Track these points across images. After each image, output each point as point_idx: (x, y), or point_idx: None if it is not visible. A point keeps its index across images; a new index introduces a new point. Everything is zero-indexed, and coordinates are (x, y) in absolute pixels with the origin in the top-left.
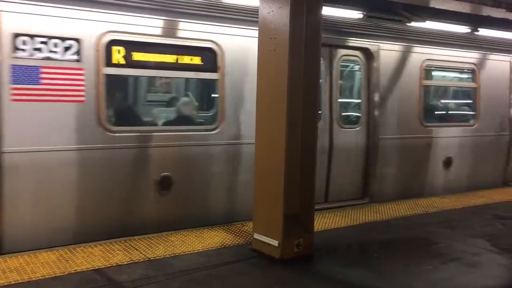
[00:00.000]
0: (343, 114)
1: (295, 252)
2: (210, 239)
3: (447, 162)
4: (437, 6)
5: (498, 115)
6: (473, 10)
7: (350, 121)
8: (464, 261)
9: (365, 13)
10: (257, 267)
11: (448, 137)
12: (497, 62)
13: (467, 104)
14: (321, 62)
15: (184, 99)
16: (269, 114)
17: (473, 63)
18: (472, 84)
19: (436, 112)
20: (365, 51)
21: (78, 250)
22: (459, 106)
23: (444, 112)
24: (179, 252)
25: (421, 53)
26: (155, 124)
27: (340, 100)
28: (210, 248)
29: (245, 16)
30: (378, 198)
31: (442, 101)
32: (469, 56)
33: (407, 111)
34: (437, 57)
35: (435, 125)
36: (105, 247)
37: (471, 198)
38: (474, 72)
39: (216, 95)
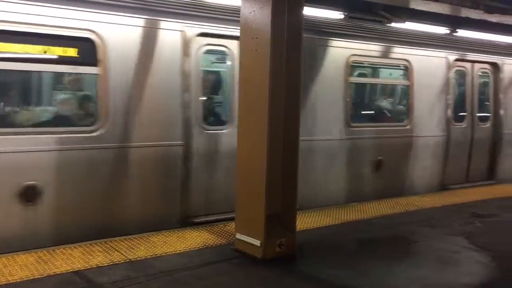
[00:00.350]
0: None
1: (277, 252)
2: (192, 240)
3: (377, 165)
4: (417, 7)
5: (433, 115)
6: (452, 12)
7: None
8: (442, 259)
9: (346, 13)
10: (239, 267)
11: (377, 138)
12: (433, 58)
13: (400, 103)
14: None
15: (62, 96)
16: (251, 114)
17: (406, 59)
18: (405, 82)
19: (363, 112)
20: None
21: (57, 252)
22: (391, 105)
23: (374, 112)
24: (161, 252)
25: (347, 48)
26: None
27: None
28: (192, 249)
29: (134, 3)
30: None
31: (373, 99)
32: (401, 52)
33: (329, 110)
34: (364, 52)
35: (363, 126)
36: (85, 248)
37: (450, 197)
38: (407, 68)
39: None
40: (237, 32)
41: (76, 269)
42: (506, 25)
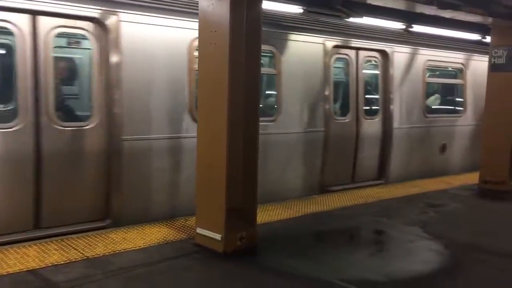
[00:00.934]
0: None
1: (238, 245)
2: (152, 235)
3: None
4: (374, 3)
5: (307, 108)
6: (407, 7)
7: None
8: (398, 248)
9: (305, 8)
10: (200, 262)
11: None
12: (307, 44)
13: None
14: None
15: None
16: (210, 107)
17: (272, 45)
18: (271, 71)
19: None
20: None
21: (11, 251)
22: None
23: None
24: (120, 249)
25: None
26: None
27: None
28: (152, 244)
29: None
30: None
31: None
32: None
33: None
34: None
35: None
36: (40, 247)
37: (407, 188)
38: (274, 56)
39: None
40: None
41: (31, 268)
42: (458, 21)
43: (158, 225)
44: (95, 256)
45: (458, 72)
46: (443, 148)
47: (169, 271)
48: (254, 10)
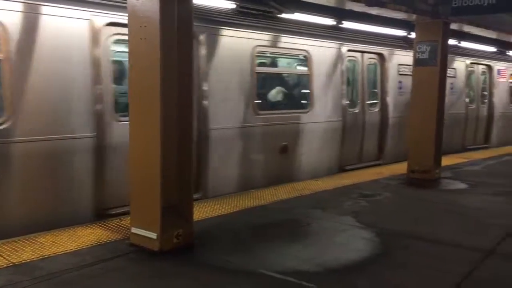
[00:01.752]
0: None
1: (174, 243)
2: (85, 237)
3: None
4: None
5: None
6: (337, 4)
7: None
8: (332, 238)
9: (237, 3)
10: (135, 262)
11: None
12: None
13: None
14: None
15: None
16: (142, 104)
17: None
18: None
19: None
20: None
21: None
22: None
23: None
24: (49, 253)
25: None
26: None
27: None
28: (84, 247)
29: None
30: None
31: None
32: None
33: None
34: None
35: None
36: None
37: (341, 179)
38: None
39: None
40: None
41: None
42: (385, 18)
43: (91, 226)
44: (22, 262)
45: (302, 61)
46: (283, 150)
47: (102, 274)
48: (185, 4)
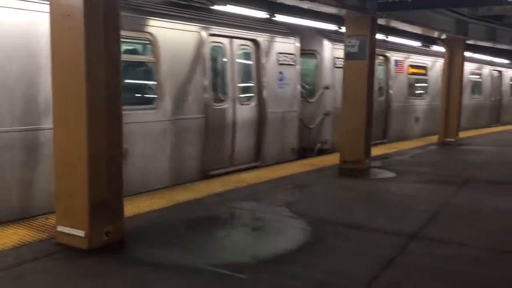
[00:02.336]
0: None
1: (104, 240)
2: (6, 238)
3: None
4: None
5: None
6: None
7: None
8: (267, 228)
9: None
10: (62, 262)
11: None
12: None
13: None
14: None
15: None
16: (66, 97)
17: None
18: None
19: None
20: None
21: None
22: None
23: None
24: None
25: None
26: None
27: None
28: (6, 248)
29: None
30: None
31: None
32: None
33: None
34: None
35: None
36: None
37: (276, 171)
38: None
39: None
40: None
41: None
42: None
43: (14, 226)
44: None
45: (145, 46)
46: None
47: (24, 275)
48: None
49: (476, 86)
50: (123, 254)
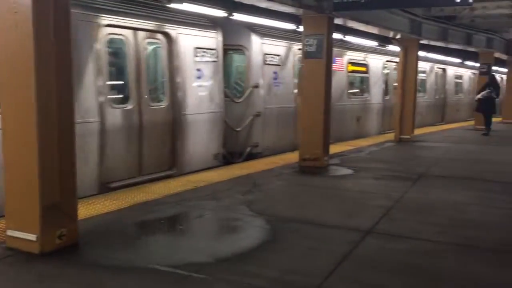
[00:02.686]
0: None
1: (57, 243)
2: None
3: None
4: None
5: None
6: None
7: None
8: (225, 227)
9: None
10: (12, 267)
11: None
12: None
13: None
14: None
15: None
16: (15, 96)
17: None
18: None
19: None
20: None
21: None
22: None
23: None
24: None
25: None
26: None
27: None
28: None
29: None
30: None
31: None
32: None
33: None
34: None
35: None
36: None
37: (235, 170)
38: None
39: None
40: None
41: None
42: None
43: None
44: None
45: None
46: None
47: None
48: None
49: (421, 84)
50: (77, 257)
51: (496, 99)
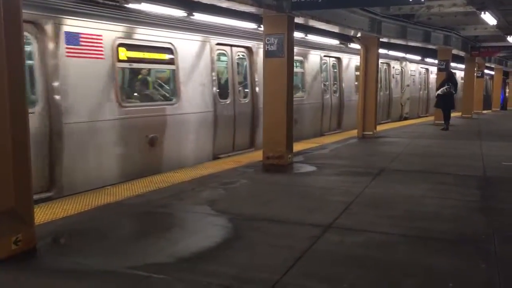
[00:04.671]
0: None
1: (13, 249)
2: None
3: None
4: None
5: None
6: None
7: None
8: (186, 227)
9: None
10: None
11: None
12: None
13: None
14: None
15: None
16: None
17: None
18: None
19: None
20: None
21: None
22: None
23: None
24: None
25: None
26: None
27: None
28: None
29: None
30: None
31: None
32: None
33: None
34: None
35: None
36: None
37: (199, 170)
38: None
39: None
40: None
41: None
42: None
43: None
44: None
45: None
46: None
47: None
48: None
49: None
50: (35, 263)
51: (455, 94)
